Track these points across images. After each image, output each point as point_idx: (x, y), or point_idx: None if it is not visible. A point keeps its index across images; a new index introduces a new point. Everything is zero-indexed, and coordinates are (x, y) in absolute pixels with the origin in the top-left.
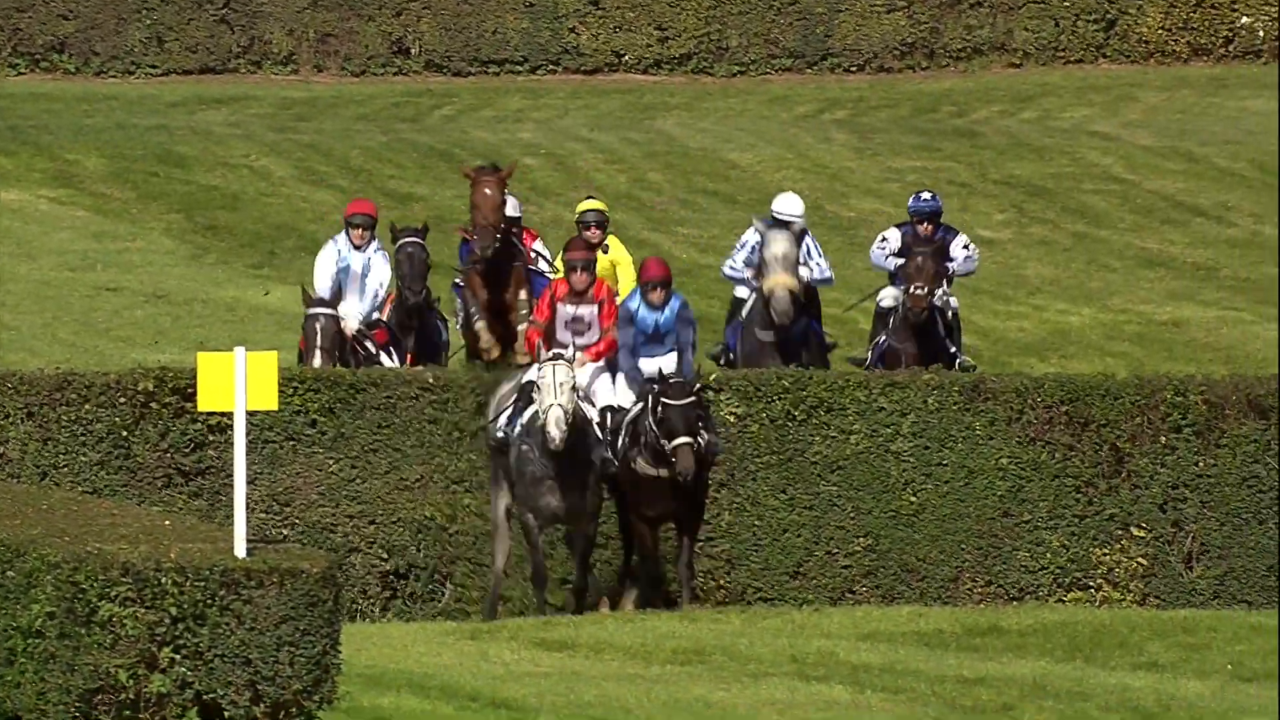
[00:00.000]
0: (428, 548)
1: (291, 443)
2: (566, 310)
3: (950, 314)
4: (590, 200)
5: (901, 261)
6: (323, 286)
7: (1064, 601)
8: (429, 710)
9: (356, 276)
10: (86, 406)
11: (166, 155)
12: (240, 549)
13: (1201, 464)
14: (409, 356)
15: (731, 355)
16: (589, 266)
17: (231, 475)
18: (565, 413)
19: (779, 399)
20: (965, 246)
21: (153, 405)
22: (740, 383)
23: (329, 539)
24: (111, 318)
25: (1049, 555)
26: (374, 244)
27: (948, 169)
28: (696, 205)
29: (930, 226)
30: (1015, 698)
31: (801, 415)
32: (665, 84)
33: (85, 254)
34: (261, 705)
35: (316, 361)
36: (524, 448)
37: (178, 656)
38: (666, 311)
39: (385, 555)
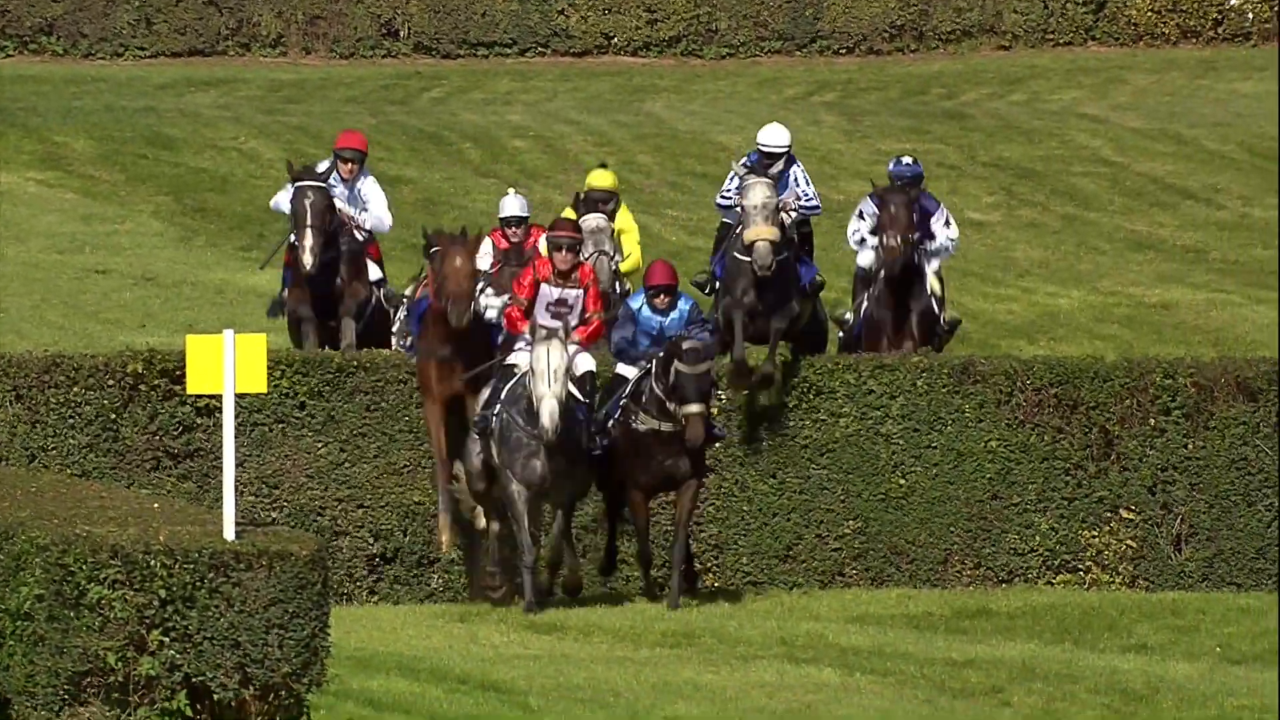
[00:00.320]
0: (414, 532)
1: (280, 425)
2: (550, 292)
3: (931, 275)
4: (601, 172)
5: (874, 246)
6: (283, 202)
7: (1053, 584)
8: (418, 693)
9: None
10: (75, 389)
11: (155, 137)
12: (229, 532)
13: (1191, 446)
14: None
15: (717, 284)
16: (574, 247)
17: (220, 458)
18: (559, 404)
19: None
20: (946, 224)
21: (141, 388)
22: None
23: (318, 522)
24: (100, 300)
25: (1038, 538)
26: (364, 176)
27: (937, 151)
28: (686, 187)
29: (913, 192)
30: (1004, 680)
31: (791, 399)
32: (654, 66)
33: (74, 236)
34: (251, 688)
35: (307, 240)
36: (505, 417)
37: (167, 639)
38: (674, 315)
39: (373, 539)
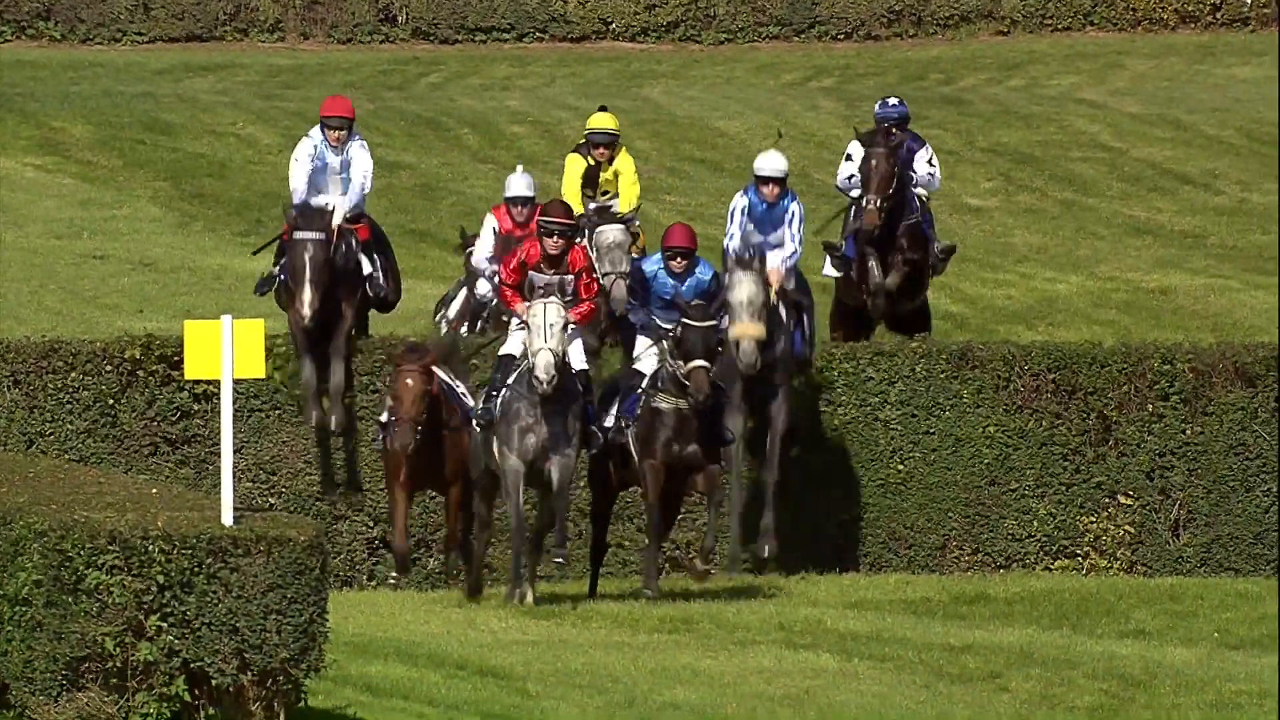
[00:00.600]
0: (412, 516)
1: (278, 411)
2: (540, 277)
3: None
4: (601, 115)
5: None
6: (300, 185)
7: (1051, 569)
8: (416, 678)
9: (335, 172)
10: (73, 374)
11: (153, 123)
12: (227, 517)
13: (1189, 432)
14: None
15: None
16: (565, 233)
17: (218, 443)
18: (555, 357)
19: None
20: (929, 161)
21: (139, 373)
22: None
23: (316, 507)
24: (98, 285)
25: (1036, 523)
26: (354, 139)
27: (935, 137)
28: (684, 173)
29: (898, 134)
30: (1002, 665)
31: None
32: (652, 52)
33: (72, 222)
34: (249, 673)
35: (306, 295)
36: (506, 394)
37: (165, 625)
38: (690, 281)
39: (372, 523)
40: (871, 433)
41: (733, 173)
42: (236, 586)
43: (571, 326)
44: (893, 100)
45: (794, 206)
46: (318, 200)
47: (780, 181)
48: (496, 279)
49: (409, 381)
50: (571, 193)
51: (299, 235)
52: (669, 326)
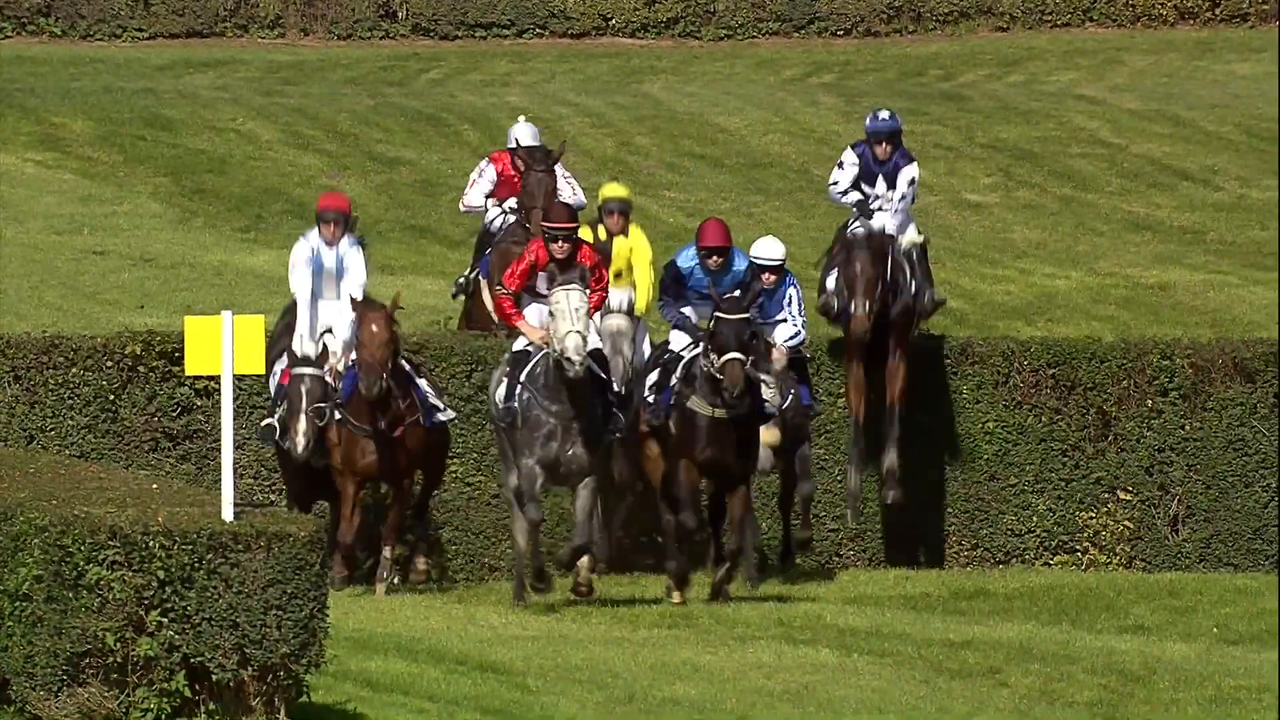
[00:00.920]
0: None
1: (279, 406)
2: (558, 275)
3: (916, 254)
4: (614, 185)
5: (859, 197)
6: (302, 289)
7: (1050, 565)
8: (416, 673)
9: (331, 275)
10: (74, 370)
11: (154, 118)
12: (228, 513)
13: (1188, 427)
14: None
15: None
16: (570, 237)
17: (219, 439)
18: (584, 338)
19: None
20: (911, 182)
21: (140, 369)
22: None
23: (315, 504)
24: (99, 281)
25: (1035, 519)
26: (347, 238)
27: (934, 132)
28: (684, 169)
29: (889, 147)
30: (1001, 661)
31: None
32: (652, 48)
33: (72, 217)
34: (249, 668)
35: (300, 426)
36: (526, 397)
37: (165, 620)
38: (727, 278)
39: (372, 519)
40: (872, 428)
41: (732, 168)
42: (237, 582)
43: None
44: (884, 114)
45: (792, 291)
46: (314, 346)
47: (778, 269)
48: (499, 288)
49: (374, 328)
50: None
51: (297, 370)
52: (704, 322)
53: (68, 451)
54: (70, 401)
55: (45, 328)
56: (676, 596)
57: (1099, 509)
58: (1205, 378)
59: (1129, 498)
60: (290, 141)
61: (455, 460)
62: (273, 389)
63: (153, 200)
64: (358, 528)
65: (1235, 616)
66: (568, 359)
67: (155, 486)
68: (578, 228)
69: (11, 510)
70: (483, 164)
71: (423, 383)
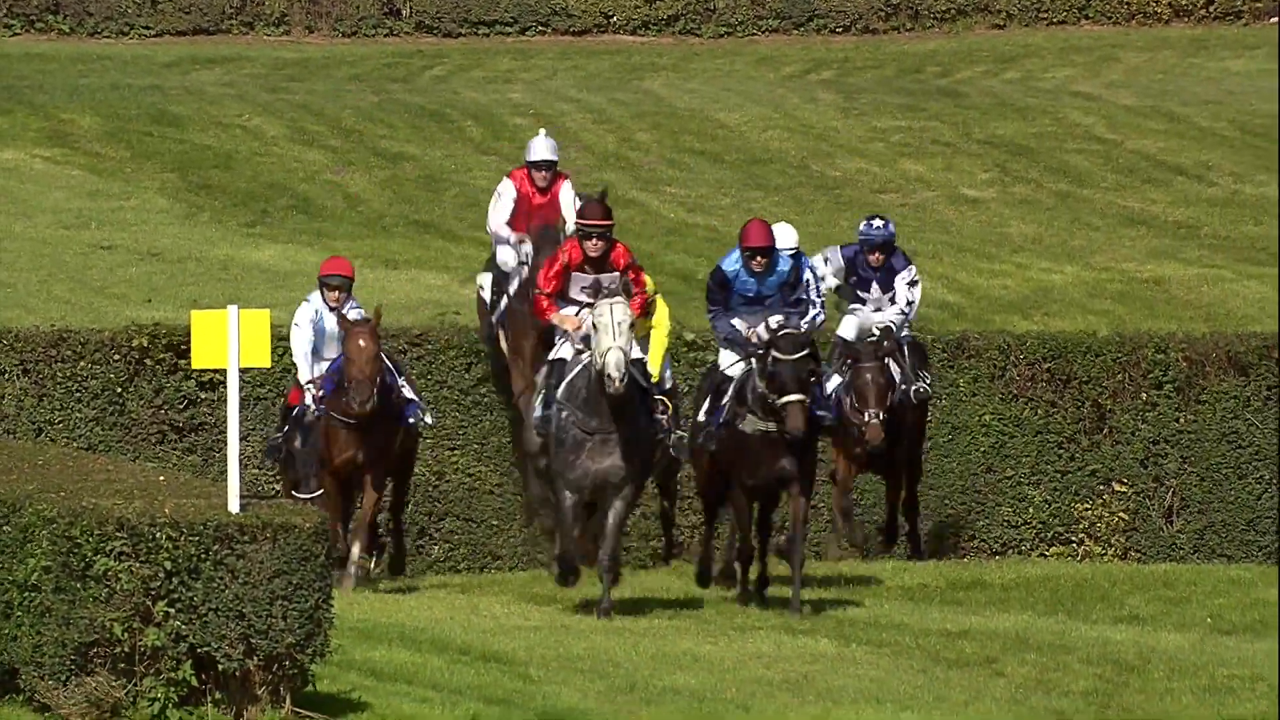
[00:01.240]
0: (417, 503)
1: (284, 399)
2: (583, 278)
3: (905, 346)
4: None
5: (836, 284)
6: (303, 355)
7: (1046, 556)
8: (420, 663)
9: (333, 338)
10: (82, 363)
11: (160, 115)
12: (234, 504)
13: (1182, 420)
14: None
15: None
16: (605, 234)
17: (225, 431)
18: (625, 355)
19: None
20: (910, 284)
21: (147, 362)
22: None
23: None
24: (106, 275)
25: (1031, 510)
26: (350, 303)
27: (932, 129)
28: (684, 165)
29: (880, 256)
30: (998, 650)
31: None
32: (653, 45)
33: (80, 212)
34: (255, 658)
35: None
36: (564, 414)
37: (172, 610)
38: (771, 278)
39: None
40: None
41: (732, 164)
42: (243, 573)
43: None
44: (877, 222)
45: (808, 274)
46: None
47: (792, 255)
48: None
49: (361, 342)
50: None
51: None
52: (751, 329)
53: (75, 444)
54: (78, 394)
55: (53, 321)
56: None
57: (1094, 501)
58: (1199, 371)
59: (1124, 490)
60: (295, 137)
61: (457, 451)
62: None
63: (159, 195)
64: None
65: (1229, 607)
66: (608, 376)
67: (162, 478)
68: (612, 225)
69: (20, 502)
70: (501, 184)
71: (402, 381)
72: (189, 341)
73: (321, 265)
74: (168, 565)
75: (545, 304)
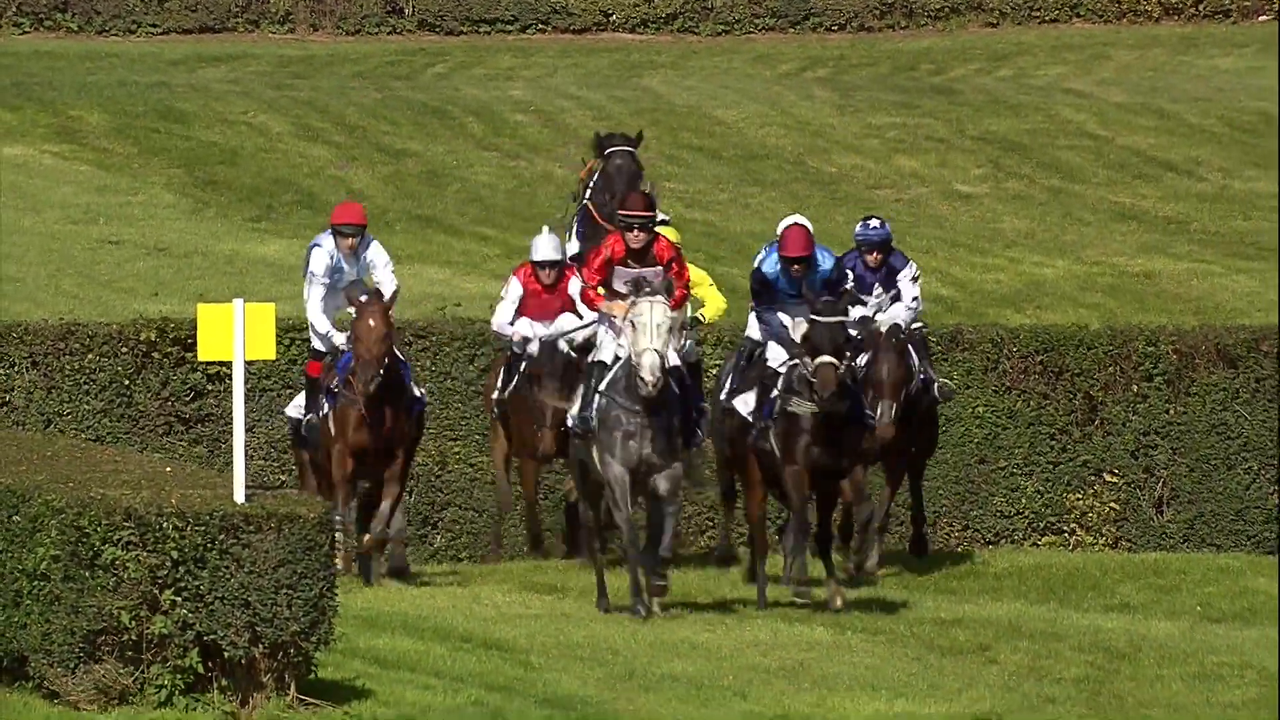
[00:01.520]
0: (418, 493)
1: (289, 391)
2: (627, 272)
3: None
4: (666, 229)
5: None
6: (317, 309)
7: (1039, 545)
8: (423, 651)
9: (352, 279)
10: (90, 356)
11: (167, 111)
12: (239, 495)
13: (1172, 411)
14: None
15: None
16: (646, 225)
17: (231, 423)
18: (661, 358)
19: None
20: (913, 279)
21: (154, 355)
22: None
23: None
24: (114, 270)
25: (1024, 500)
26: (366, 245)
27: (926, 125)
28: (682, 160)
29: (878, 256)
30: (991, 638)
31: None
32: (652, 43)
33: (88, 208)
34: (260, 646)
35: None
36: (604, 402)
37: (179, 599)
38: (812, 279)
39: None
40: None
41: (730, 160)
42: (248, 562)
43: (674, 325)
44: (874, 222)
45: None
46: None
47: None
48: (580, 285)
49: (371, 323)
50: None
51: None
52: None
53: (84, 435)
54: (86, 387)
55: (62, 315)
56: (834, 596)
57: (1086, 491)
58: (1189, 363)
59: (1115, 480)
60: (300, 134)
61: (459, 442)
62: (299, 405)
63: (166, 191)
64: (355, 508)
65: (1218, 595)
66: (641, 378)
67: (169, 469)
68: (653, 217)
69: (29, 492)
70: (508, 281)
71: (410, 378)
72: (195, 334)
73: (334, 211)
74: (174, 554)
75: (593, 295)
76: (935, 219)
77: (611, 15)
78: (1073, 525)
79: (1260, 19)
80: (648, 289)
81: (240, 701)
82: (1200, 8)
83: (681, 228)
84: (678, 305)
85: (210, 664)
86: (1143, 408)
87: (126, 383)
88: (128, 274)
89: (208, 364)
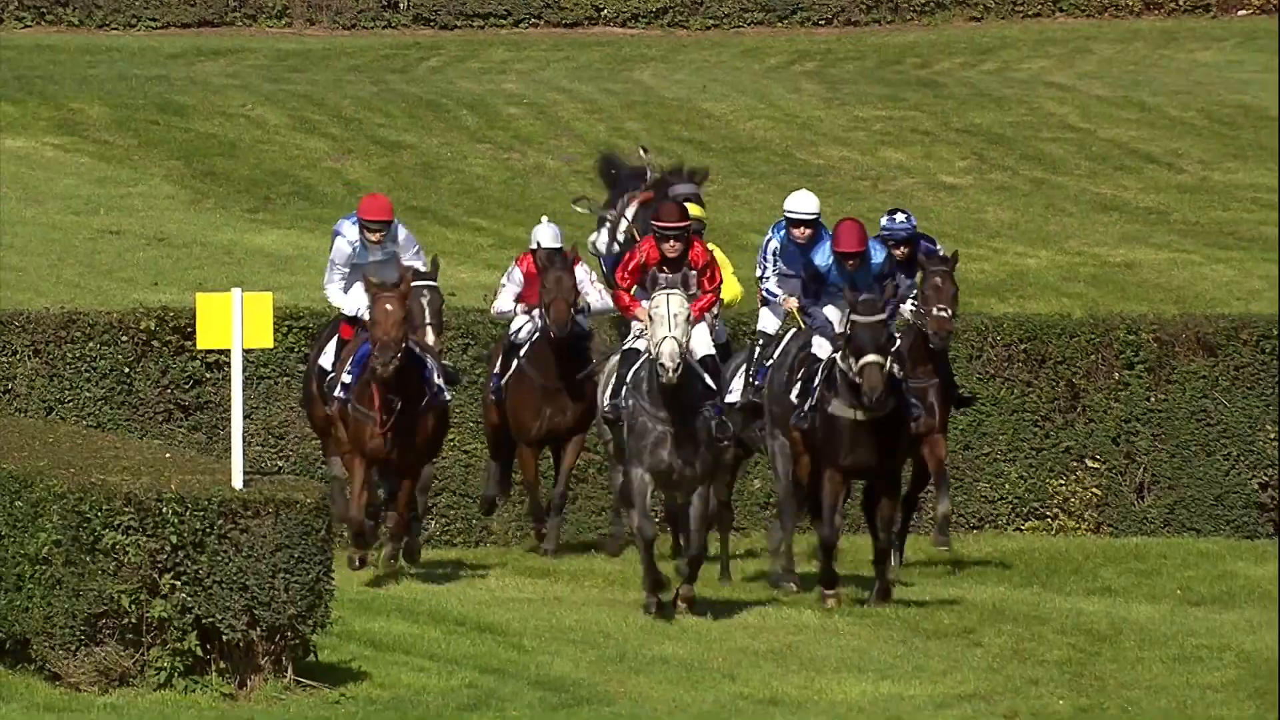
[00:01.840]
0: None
1: (286, 379)
2: (660, 279)
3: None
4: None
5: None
6: (339, 296)
7: (1022, 530)
8: (418, 634)
9: (379, 263)
10: (90, 344)
11: (166, 104)
12: (237, 480)
13: (1153, 399)
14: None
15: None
16: (682, 235)
17: (229, 410)
18: (680, 345)
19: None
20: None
21: (154, 343)
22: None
23: (321, 471)
24: (114, 260)
25: (1008, 486)
26: (395, 235)
27: (911, 118)
28: (672, 152)
29: (905, 249)
30: (975, 621)
31: None
32: (642, 37)
33: (89, 199)
34: (258, 629)
35: (430, 338)
36: (632, 403)
37: (178, 583)
38: (862, 273)
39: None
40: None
41: (718, 152)
42: (246, 546)
43: (692, 318)
44: (900, 216)
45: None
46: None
47: (813, 223)
48: (607, 295)
49: (388, 307)
50: None
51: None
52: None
53: (85, 422)
54: (87, 374)
55: (63, 304)
56: (831, 601)
57: (1068, 477)
58: (1169, 352)
59: (1097, 466)
60: (297, 126)
61: (453, 430)
62: (330, 355)
63: (166, 182)
64: (366, 503)
65: (1198, 579)
66: (661, 365)
67: (168, 455)
68: (689, 227)
69: (31, 478)
70: (510, 267)
71: (429, 359)
72: (194, 323)
73: (361, 205)
74: (174, 539)
75: (627, 300)
76: (920, 210)
77: (603, 10)
78: (1055, 510)
79: (1239, 13)
80: (664, 282)
81: (238, 684)
82: (1180, 2)
83: None
84: (707, 307)
85: (209, 647)
86: (1124, 395)
87: (126, 370)
88: (128, 264)
89: (206, 352)
